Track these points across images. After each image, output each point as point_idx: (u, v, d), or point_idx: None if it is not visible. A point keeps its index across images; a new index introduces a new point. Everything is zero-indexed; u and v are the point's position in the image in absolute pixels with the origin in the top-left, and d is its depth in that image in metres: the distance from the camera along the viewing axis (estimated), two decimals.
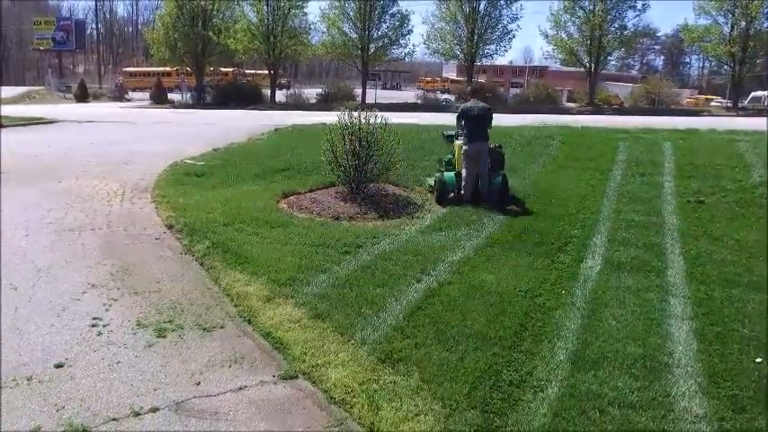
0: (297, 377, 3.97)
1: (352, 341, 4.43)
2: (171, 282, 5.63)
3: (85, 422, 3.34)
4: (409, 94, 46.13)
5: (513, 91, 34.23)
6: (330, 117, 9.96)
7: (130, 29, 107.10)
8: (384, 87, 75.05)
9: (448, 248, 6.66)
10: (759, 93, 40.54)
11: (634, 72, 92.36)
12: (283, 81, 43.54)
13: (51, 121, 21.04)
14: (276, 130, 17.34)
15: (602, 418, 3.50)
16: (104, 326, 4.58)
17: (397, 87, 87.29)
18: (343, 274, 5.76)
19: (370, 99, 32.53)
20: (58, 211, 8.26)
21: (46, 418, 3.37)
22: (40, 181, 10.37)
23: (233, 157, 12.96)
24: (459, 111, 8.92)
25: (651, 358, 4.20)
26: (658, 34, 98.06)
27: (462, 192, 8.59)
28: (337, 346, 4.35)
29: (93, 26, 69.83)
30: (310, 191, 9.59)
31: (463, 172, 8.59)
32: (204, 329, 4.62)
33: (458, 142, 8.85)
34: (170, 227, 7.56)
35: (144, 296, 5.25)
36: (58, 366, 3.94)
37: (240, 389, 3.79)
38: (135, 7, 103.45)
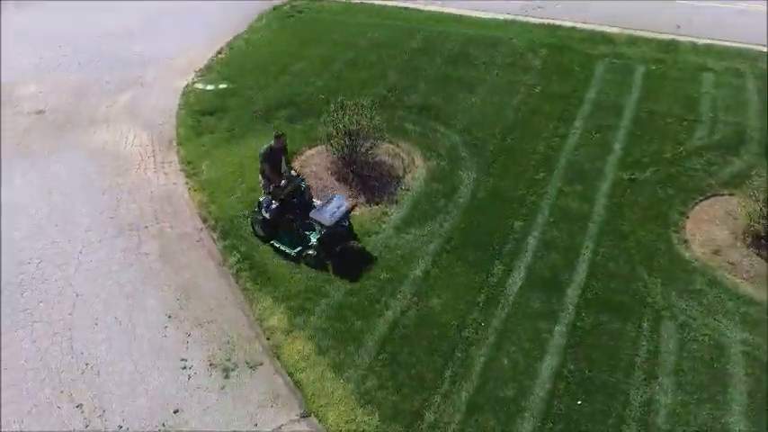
0: (309, 415, 7.20)
1: (342, 380, 7.54)
2: (220, 309, 8.52)
3: None
4: None
5: None
6: None
7: None
8: None
9: (413, 257, 9.30)
10: None
11: None
12: None
13: None
14: (274, 9, 17.82)
15: None
16: (190, 368, 7.67)
17: None
18: (336, 301, 8.60)
19: None
20: (110, 195, 10.63)
21: None
22: (74, 131, 12.35)
23: (236, 74, 14.33)
24: None
25: (514, 402, 7.34)
26: None
27: None
28: (333, 386, 7.48)
29: None
30: (310, 147, 11.73)
31: None
32: (251, 368, 7.71)
33: None
34: (204, 220, 10.10)
35: (206, 328, 8.22)
36: (176, 412, 7.16)
37: (280, 428, 7.05)
38: None
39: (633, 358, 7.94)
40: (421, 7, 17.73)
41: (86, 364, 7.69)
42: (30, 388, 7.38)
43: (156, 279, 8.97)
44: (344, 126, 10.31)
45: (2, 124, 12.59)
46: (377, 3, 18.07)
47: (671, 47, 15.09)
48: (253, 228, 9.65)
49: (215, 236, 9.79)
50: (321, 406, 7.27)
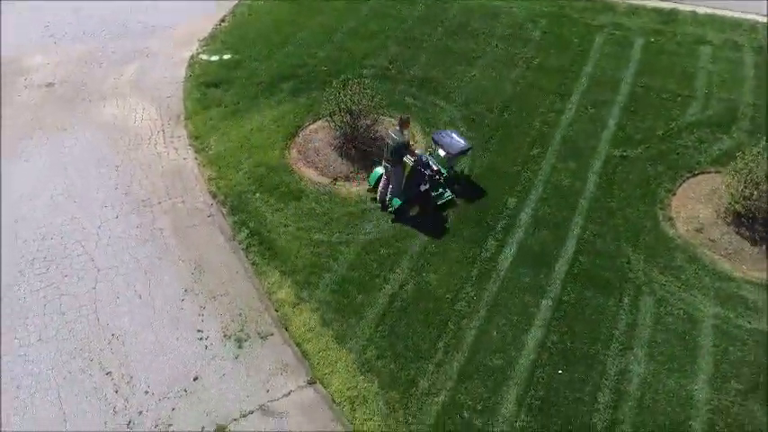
0: (315, 382, 8.07)
1: (344, 350, 8.39)
2: (232, 282, 9.30)
3: (221, 422, 7.59)
4: None
5: None
6: None
7: None
8: None
9: (412, 232, 10.01)
10: None
11: None
12: None
13: None
14: None
15: (461, 420, 7.69)
16: (206, 338, 8.51)
17: None
18: (339, 275, 9.35)
19: None
20: (123, 170, 11.26)
21: (205, 421, 7.61)
22: (84, 104, 12.87)
23: (240, 44, 14.68)
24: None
25: (501, 371, 8.19)
26: None
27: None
28: (336, 355, 8.33)
29: None
30: (313, 122, 12.27)
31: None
32: (262, 338, 8.54)
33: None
34: (214, 196, 10.76)
35: (219, 301, 9.02)
36: (195, 379, 8.03)
37: (289, 393, 7.93)
38: None
39: (612, 331, 8.74)
40: None
41: (112, 335, 8.53)
42: (63, 358, 8.25)
43: (170, 254, 9.71)
44: (346, 105, 10.82)
45: (14, 97, 13.09)
46: None
47: (671, 17, 15.29)
48: (398, 213, 10.29)
49: (225, 211, 10.47)
50: (326, 374, 8.13)
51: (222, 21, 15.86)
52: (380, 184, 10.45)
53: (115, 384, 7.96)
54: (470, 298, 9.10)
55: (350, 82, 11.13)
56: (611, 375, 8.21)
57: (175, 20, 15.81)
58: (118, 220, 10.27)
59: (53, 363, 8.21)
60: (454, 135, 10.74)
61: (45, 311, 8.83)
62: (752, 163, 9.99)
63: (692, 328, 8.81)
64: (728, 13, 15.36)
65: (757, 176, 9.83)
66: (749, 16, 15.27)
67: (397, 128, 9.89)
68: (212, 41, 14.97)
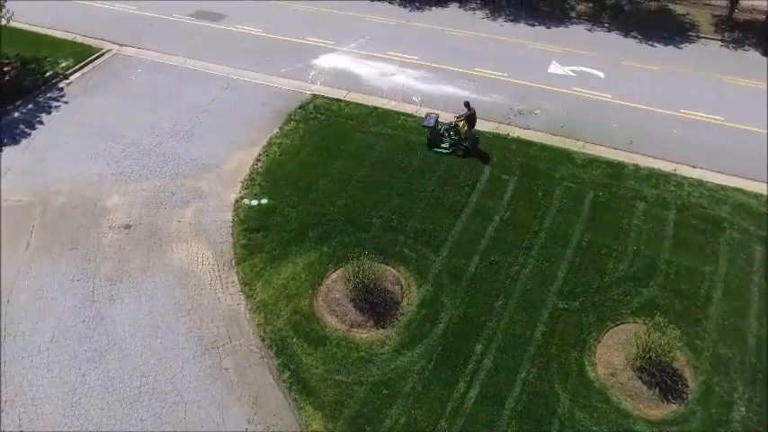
0: None
1: None
2: (280, 414, 14.06)
3: None
4: None
5: None
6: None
7: None
8: None
9: (405, 375, 14.76)
10: None
11: None
12: None
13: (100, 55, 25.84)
14: (300, 107, 22.76)
15: None
16: None
17: None
18: (354, 410, 14.11)
19: None
20: (194, 314, 16.05)
21: None
22: (157, 249, 17.66)
23: (273, 188, 19.48)
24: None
25: None
26: None
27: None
28: None
29: None
30: (334, 270, 17.05)
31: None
32: None
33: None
34: (263, 340, 15.53)
35: (272, 430, 13.79)
36: None
37: None
38: None
39: None
40: (415, 113, 22.65)
41: None
42: None
43: (235, 391, 14.49)
44: (360, 280, 15.62)
45: (102, 239, 17.87)
46: (381, 106, 22.94)
47: (618, 169, 20.03)
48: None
49: (271, 354, 15.23)
50: None
51: (258, 160, 20.65)
52: (469, 142, 20.60)
53: None
54: (444, 431, 13.87)
55: (359, 260, 15.86)
56: None
57: (220, 156, 20.69)
58: (194, 361, 15.05)
59: None
60: (434, 115, 20.93)
61: None
62: (650, 331, 14.68)
63: None
64: (663, 166, 20.09)
65: (652, 342, 14.52)
66: (679, 170, 20.02)
67: (466, 110, 20.21)
68: (251, 184, 19.74)
